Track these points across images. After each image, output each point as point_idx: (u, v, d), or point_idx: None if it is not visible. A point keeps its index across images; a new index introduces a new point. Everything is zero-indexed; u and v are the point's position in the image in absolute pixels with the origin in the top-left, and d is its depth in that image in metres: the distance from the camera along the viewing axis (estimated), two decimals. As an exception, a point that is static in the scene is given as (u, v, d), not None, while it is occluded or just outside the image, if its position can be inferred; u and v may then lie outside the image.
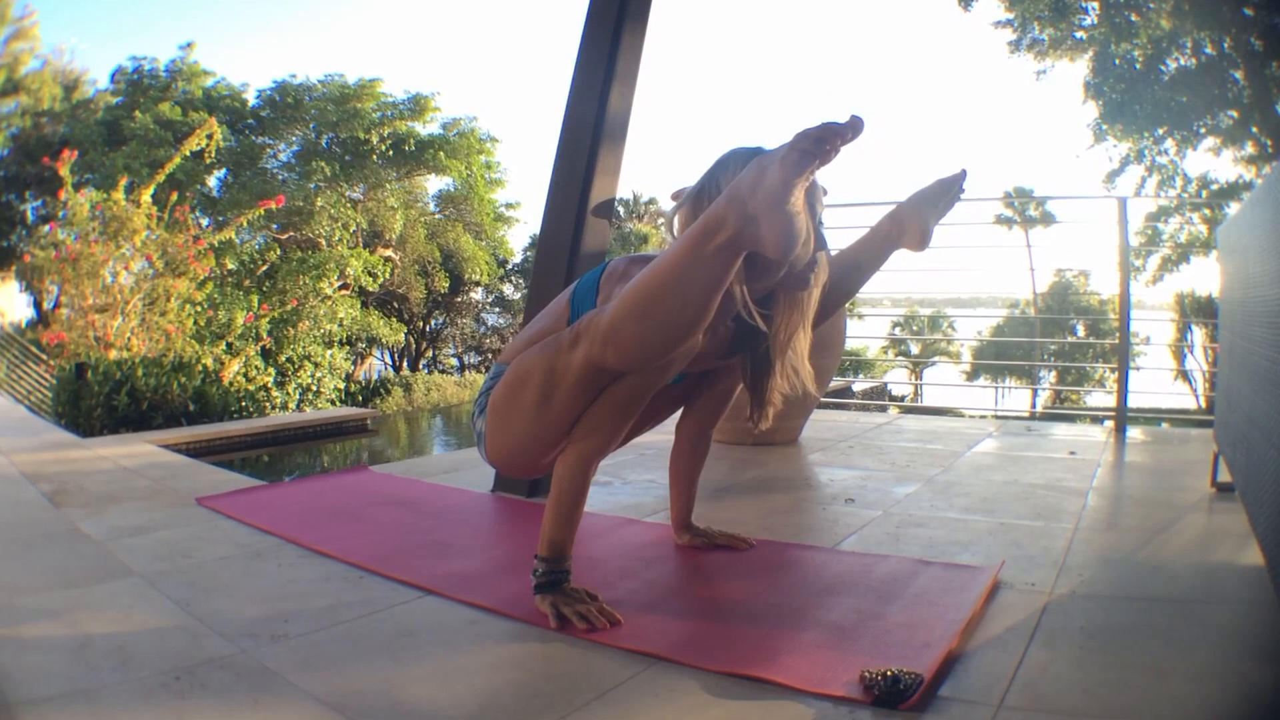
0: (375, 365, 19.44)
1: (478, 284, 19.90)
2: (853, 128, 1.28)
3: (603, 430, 1.63)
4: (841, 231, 5.20)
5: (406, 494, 2.80)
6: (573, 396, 1.60)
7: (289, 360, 9.37)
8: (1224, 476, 2.70)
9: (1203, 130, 15.20)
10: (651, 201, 27.64)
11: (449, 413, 13.88)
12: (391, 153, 17.06)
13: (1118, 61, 14.87)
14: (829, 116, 1.30)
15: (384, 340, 16.55)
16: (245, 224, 12.09)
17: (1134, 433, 4.17)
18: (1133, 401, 4.34)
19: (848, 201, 5.62)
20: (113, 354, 6.68)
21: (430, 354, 20.96)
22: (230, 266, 12.82)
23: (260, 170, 16.92)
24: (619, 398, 1.60)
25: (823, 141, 1.28)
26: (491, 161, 18.64)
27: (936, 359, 26.41)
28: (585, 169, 2.74)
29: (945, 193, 1.94)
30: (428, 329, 20.63)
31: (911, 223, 1.93)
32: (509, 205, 19.56)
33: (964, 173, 1.95)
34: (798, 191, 1.33)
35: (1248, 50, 13.62)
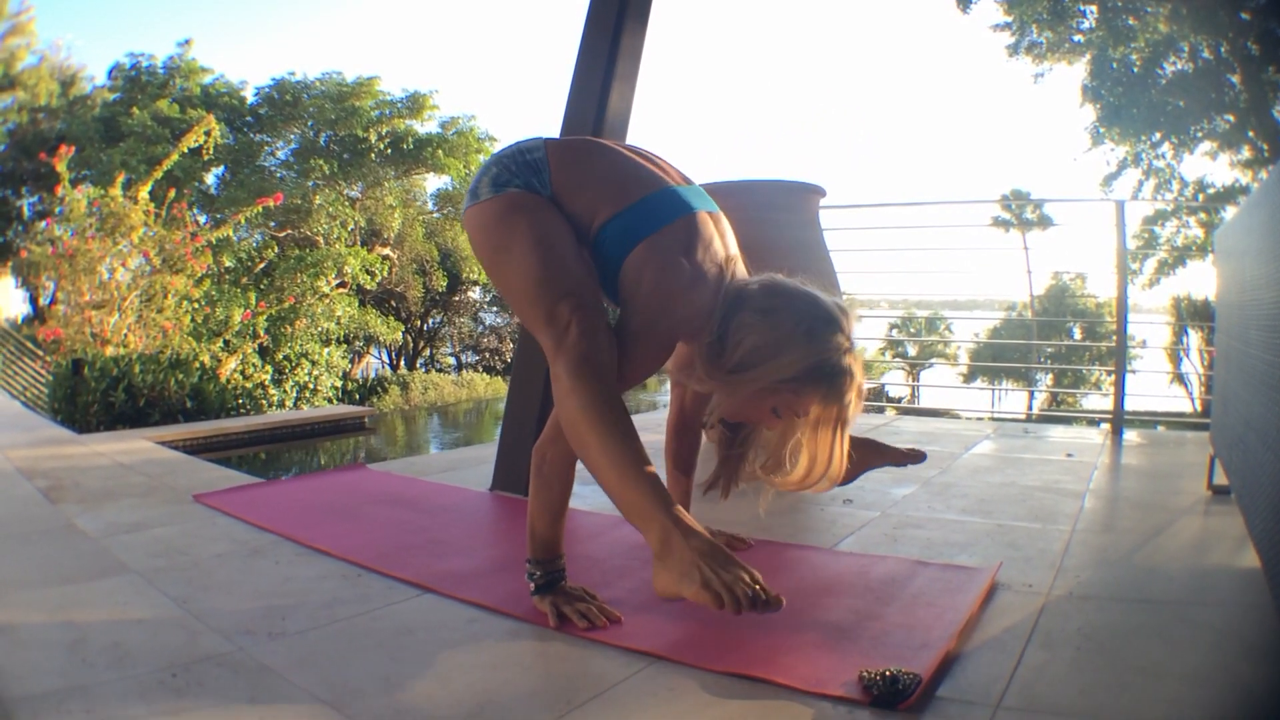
0: (373, 363, 19.44)
1: (476, 283, 19.89)
2: (764, 607, 1.34)
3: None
4: (844, 233, 5.22)
5: (404, 492, 2.79)
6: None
7: (286, 358, 9.35)
8: (1220, 479, 2.70)
9: (1200, 134, 15.24)
10: (649, 202, 27.55)
11: (446, 411, 13.87)
12: (390, 151, 17.05)
13: (1115, 65, 14.90)
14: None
15: (382, 339, 16.54)
16: (243, 221, 12.10)
17: (1130, 435, 4.17)
18: (1129, 404, 4.34)
19: (847, 203, 5.63)
20: (109, 350, 6.67)
21: (428, 353, 20.95)
22: (228, 264, 12.80)
23: (258, 168, 16.91)
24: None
25: (723, 605, 1.34)
26: (488, 160, 18.62)
27: (934, 361, 26.43)
28: (585, 168, 2.73)
29: (897, 461, 2.03)
30: (425, 328, 20.61)
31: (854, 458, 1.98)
32: (507, 205, 19.51)
33: (923, 457, 2.04)
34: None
35: (1244, 55, 13.65)
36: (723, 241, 1.66)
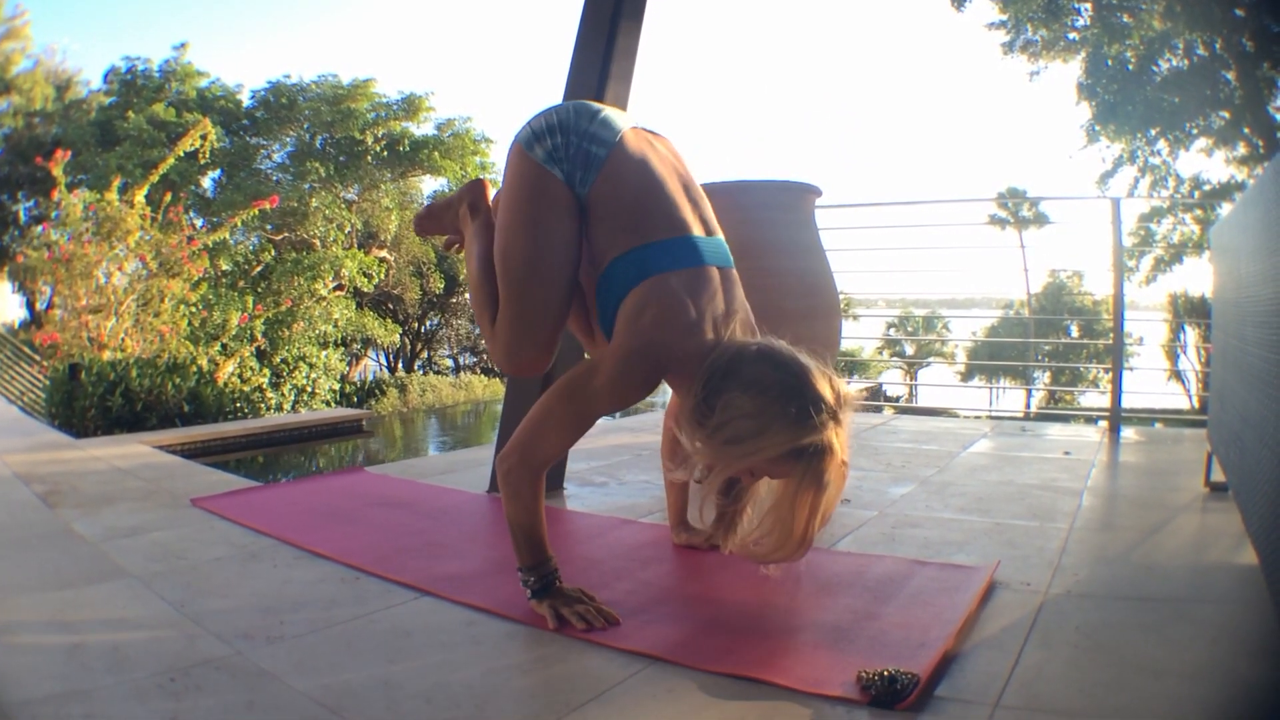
0: (370, 366, 19.42)
1: (473, 284, 19.84)
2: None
3: (549, 442, 1.65)
4: (840, 233, 5.22)
5: (402, 495, 2.79)
6: None
7: (284, 361, 9.35)
8: (1217, 476, 2.71)
9: (1195, 131, 15.27)
10: (646, 202, 27.56)
11: (444, 414, 13.87)
12: (386, 153, 17.04)
13: (1110, 62, 14.93)
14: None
15: (379, 341, 16.55)
16: (239, 224, 12.07)
17: (1128, 433, 4.18)
18: (1126, 401, 4.34)
19: (844, 203, 5.63)
20: (106, 355, 6.66)
21: (425, 355, 20.94)
22: (225, 267, 12.80)
23: (254, 171, 16.89)
24: (567, 415, 1.64)
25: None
26: (486, 162, 18.62)
27: (931, 360, 26.44)
28: (581, 169, 2.73)
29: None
30: (423, 330, 20.60)
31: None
32: (504, 206, 19.49)
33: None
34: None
35: (1239, 51, 13.68)
36: (726, 297, 1.65)
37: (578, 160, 1.66)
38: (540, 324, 1.70)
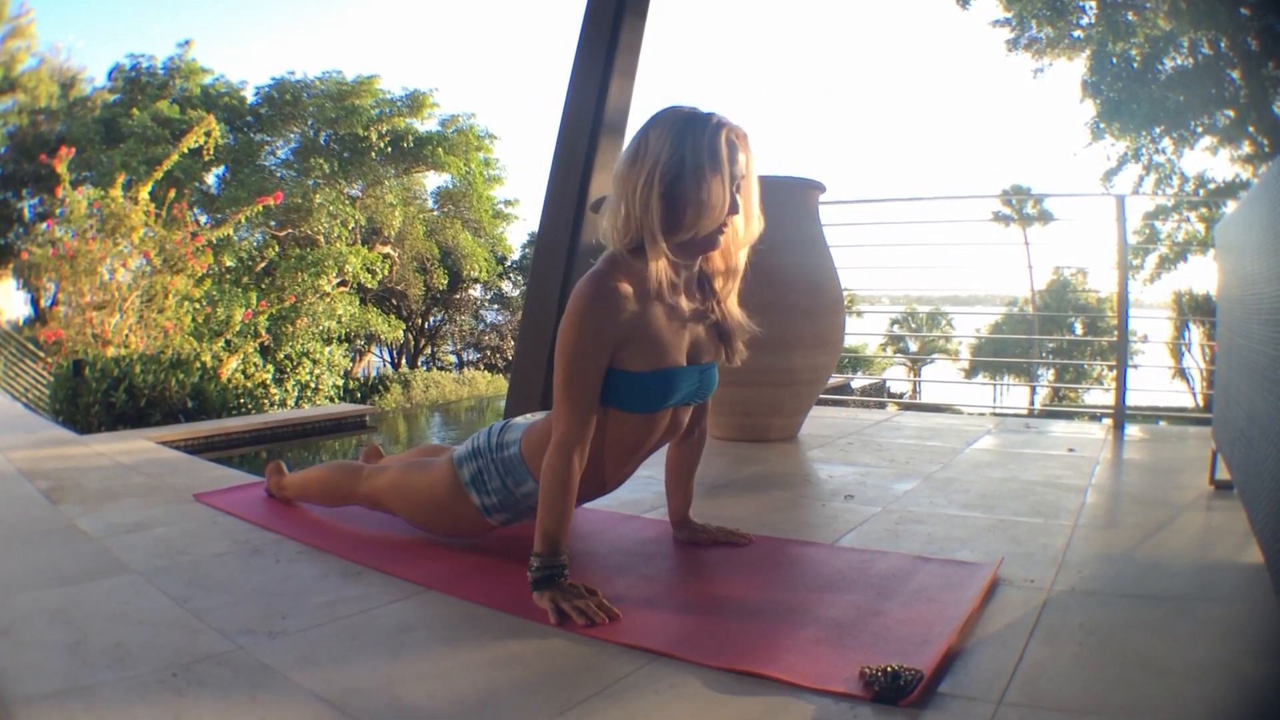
0: (374, 362, 19.46)
1: (476, 281, 19.91)
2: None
3: (562, 418, 1.73)
4: (841, 229, 5.21)
5: (405, 491, 2.78)
6: None
7: (287, 357, 9.36)
8: (1222, 474, 2.70)
9: (1200, 129, 15.25)
10: (650, 199, 27.56)
11: (448, 409, 13.88)
12: (390, 149, 17.06)
13: (1115, 60, 14.91)
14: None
15: (383, 337, 16.57)
16: (243, 221, 12.12)
17: (1132, 430, 4.17)
18: (1131, 399, 4.33)
19: (848, 199, 5.62)
20: (110, 351, 6.68)
21: (429, 351, 20.97)
22: (229, 263, 12.83)
23: (259, 167, 16.93)
24: (563, 385, 1.74)
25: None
26: (490, 158, 18.66)
27: (935, 356, 26.42)
28: (584, 165, 2.74)
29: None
30: (426, 326, 20.64)
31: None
32: (508, 202, 19.60)
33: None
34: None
35: (1244, 50, 13.65)
36: None
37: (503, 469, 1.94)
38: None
